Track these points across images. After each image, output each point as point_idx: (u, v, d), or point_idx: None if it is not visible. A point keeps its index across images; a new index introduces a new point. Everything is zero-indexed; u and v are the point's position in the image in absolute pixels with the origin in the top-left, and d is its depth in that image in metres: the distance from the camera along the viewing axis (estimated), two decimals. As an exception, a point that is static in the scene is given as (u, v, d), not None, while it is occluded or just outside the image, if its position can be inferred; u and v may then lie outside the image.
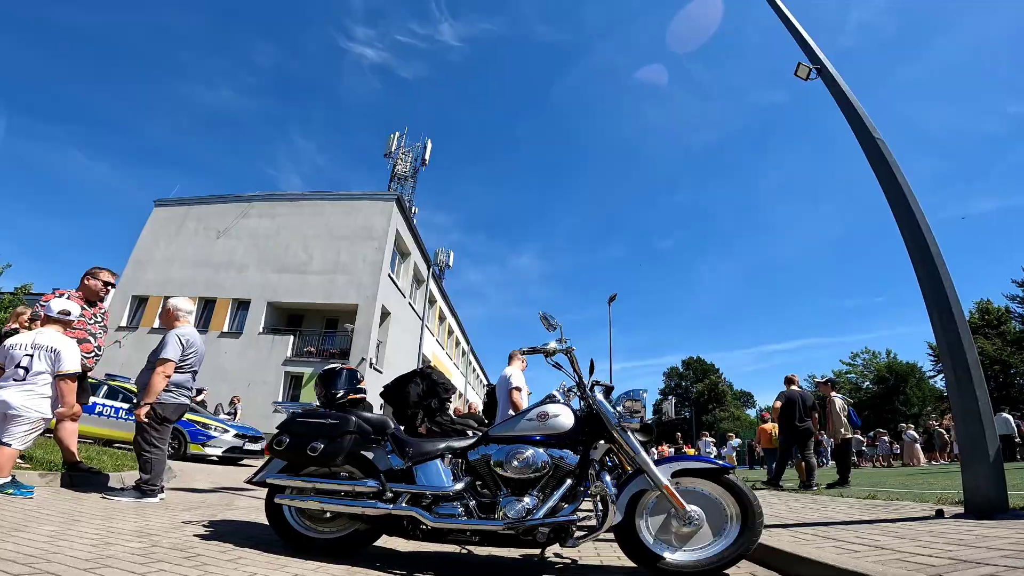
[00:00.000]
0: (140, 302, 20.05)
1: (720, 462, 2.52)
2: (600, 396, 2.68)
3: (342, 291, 19.17)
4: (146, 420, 4.00)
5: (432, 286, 27.47)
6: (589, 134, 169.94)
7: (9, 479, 3.41)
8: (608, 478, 2.45)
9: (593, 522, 2.47)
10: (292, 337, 18.72)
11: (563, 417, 2.59)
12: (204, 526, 3.06)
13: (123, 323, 19.55)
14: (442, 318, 31.19)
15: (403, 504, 2.50)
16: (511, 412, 4.96)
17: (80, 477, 4.44)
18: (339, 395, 3.03)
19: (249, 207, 21.50)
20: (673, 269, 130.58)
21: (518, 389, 5.17)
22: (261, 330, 18.69)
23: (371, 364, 18.08)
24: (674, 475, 2.47)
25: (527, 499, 2.38)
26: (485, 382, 53.16)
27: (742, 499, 2.39)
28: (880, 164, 3.69)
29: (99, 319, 4.61)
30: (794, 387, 8.01)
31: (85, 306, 4.51)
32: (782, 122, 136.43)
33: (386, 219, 20.47)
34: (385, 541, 2.90)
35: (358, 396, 3.15)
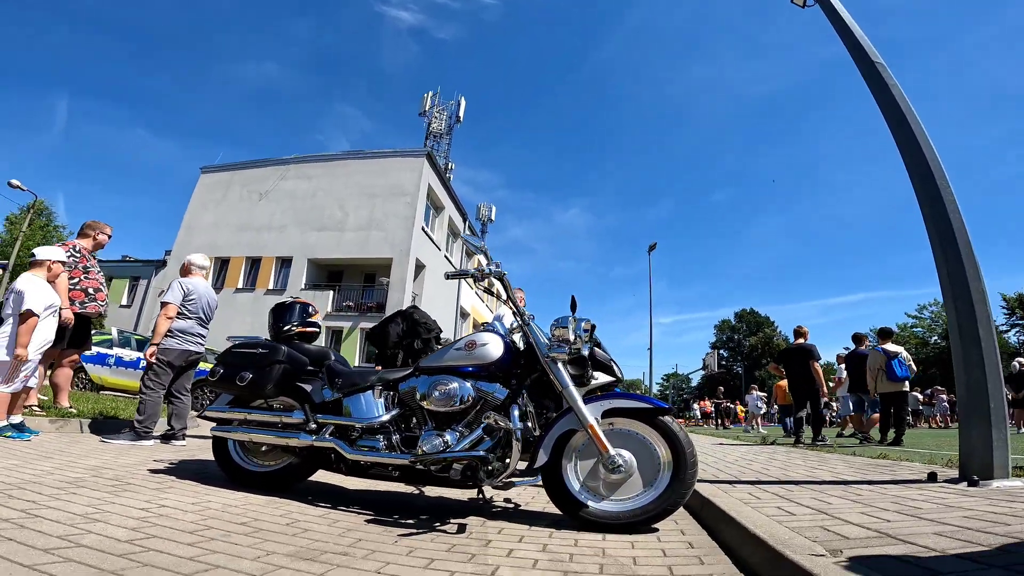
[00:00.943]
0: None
1: (658, 401, 2.32)
2: (535, 324, 2.52)
3: (376, 246, 19.50)
4: (153, 361, 4.21)
5: (470, 237, 27.50)
6: (634, 91, 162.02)
7: (5, 423, 3.62)
8: (516, 413, 2.33)
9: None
10: (332, 292, 19.37)
11: (491, 346, 2.44)
12: (169, 464, 3.19)
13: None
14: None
15: (326, 436, 2.47)
16: None
17: (109, 424, 4.72)
18: (286, 328, 3.01)
19: (287, 170, 21.97)
20: (726, 224, 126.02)
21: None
22: (303, 286, 19.40)
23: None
24: (605, 414, 2.29)
25: (448, 434, 2.27)
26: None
27: (675, 445, 2.18)
28: (882, 91, 3.17)
29: (99, 269, 4.83)
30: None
31: (93, 256, 4.72)
32: (842, 77, 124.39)
33: (417, 175, 20.39)
34: (342, 479, 2.91)
35: (308, 330, 3.13)
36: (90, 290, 4.52)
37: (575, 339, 2.43)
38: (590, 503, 2.20)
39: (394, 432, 2.45)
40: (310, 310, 3.24)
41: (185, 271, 4.58)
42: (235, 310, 19.98)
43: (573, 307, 4.68)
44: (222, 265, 20.81)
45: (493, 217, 63.36)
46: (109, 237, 4.85)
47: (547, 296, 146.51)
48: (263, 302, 19.24)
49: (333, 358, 2.83)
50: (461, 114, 39.52)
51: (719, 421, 22.79)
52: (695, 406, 33.16)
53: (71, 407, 4.85)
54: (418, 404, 2.42)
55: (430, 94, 39.03)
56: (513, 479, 2.33)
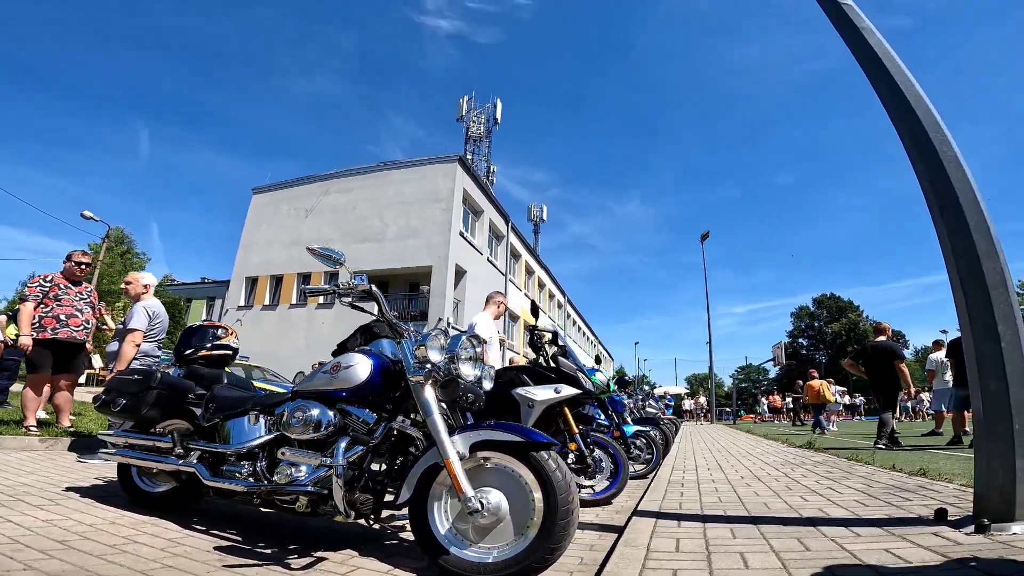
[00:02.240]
0: (252, 283, 22.37)
1: (535, 433, 1.88)
2: (408, 341, 2.17)
3: (415, 254, 19.67)
4: None
5: (514, 240, 27.21)
6: (680, 77, 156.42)
7: None
8: (343, 446, 1.99)
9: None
10: (375, 305, 19.70)
11: (356, 368, 2.14)
12: (95, 479, 3.24)
13: (240, 303, 22.03)
14: (530, 271, 30.97)
15: (193, 461, 2.38)
16: None
17: (94, 442, 4.84)
18: (187, 352, 2.93)
19: (329, 185, 22.71)
20: (795, 205, 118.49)
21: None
22: (347, 300, 19.88)
23: (449, 324, 18.44)
24: (477, 447, 1.90)
25: (304, 464, 2.06)
26: (588, 335, 52.65)
27: (547, 488, 1.75)
28: (852, 32, 2.50)
29: (85, 296, 4.95)
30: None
31: (70, 285, 4.85)
32: (911, 46, 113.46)
33: (450, 179, 20.39)
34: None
35: (216, 353, 2.99)
36: (62, 316, 4.62)
37: (453, 358, 2.08)
38: (452, 549, 1.83)
39: (262, 459, 2.26)
40: (219, 333, 3.08)
41: (137, 291, 4.57)
42: (290, 325, 20.88)
43: (535, 313, 4.20)
44: (277, 282, 21.83)
45: (545, 217, 62.99)
46: (79, 264, 4.94)
47: (611, 293, 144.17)
48: (315, 317, 19.96)
49: (225, 381, 2.73)
50: (499, 116, 39.54)
51: (796, 416, 21.02)
52: (763, 401, 31.06)
53: (71, 426, 5.01)
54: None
55: (465, 98, 39.38)
56: (395, 512, 2.09)
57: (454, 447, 1.85)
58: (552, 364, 3.71)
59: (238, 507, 2.72)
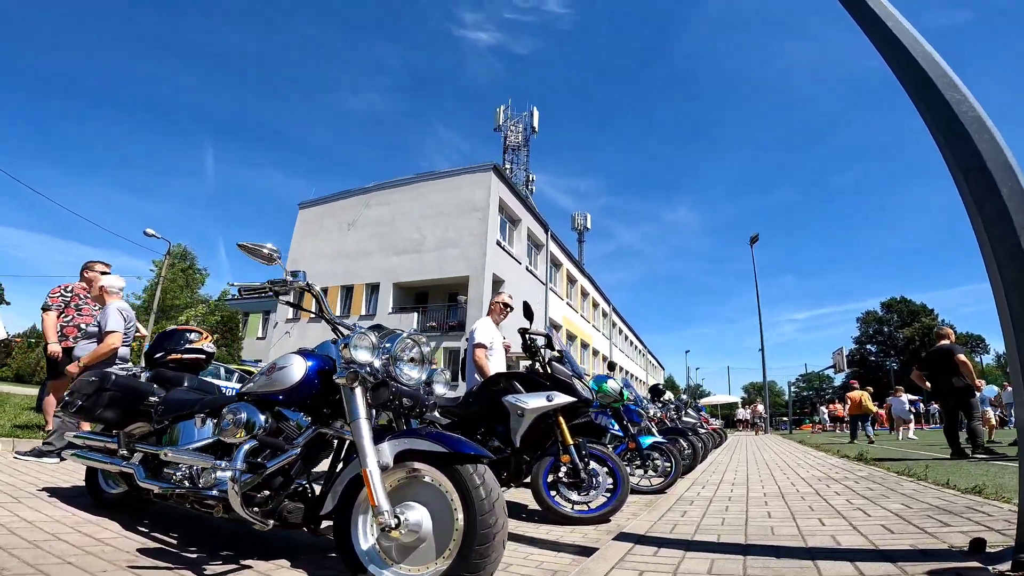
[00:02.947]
0: (299, 296, 23.12)
1: (464, 443, 1.65)
2: (348, 341, 2.01)
3: (453, 265, 19.74)
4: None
5: (555, 249, 26.92)
6: (726, 81, 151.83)
7: None
8: (244, 450, 1.86)
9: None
10: (416, 314, 19.92)
11: (290, 369, 2.01)
12: (80, 481, 3.23)
13: (289, 316, 22.82)
14: (572, 280, 30.54)
15: (135, 461, 2.34)
16: (476, 377, 4.31)
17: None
18: (157, 356, 2.91)
19: (370, 198, 23.25)
20: (857, 206, 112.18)
21: (481, 347, 4.45)
22: (390, 310, 20.21)
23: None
24: (402, 457, 1.70)
25: (229, 466, 1.90)
26: (636, 344, 51.33)
27: (467, 507, 1.54)
28: None
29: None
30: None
31: (88, 295, 4.99)
32: (972, 40, 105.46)
33: (485, 189, 20.40)
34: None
35: (187, 357, 2.95)
36: (82, 325, 4.76)
37: (392, 359, 1.91)
38: (372, 568, 1.67)
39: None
40: (192, 337, 3.03)
41: (105, 294, 4.49)
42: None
43: (530, 317, 3.96)
44: (324, 295, 22.46)
45: (589, 225, 62.53)
46: (102, 274, 5.08)
47: (661, 302, 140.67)
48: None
49: (186, 384, 2.69)
50: (536, 124, 39.45)
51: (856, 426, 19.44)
52: (823, 409, 29.04)
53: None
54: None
55: (502, 108, 39.58)
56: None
57: (376, 456, 1.67)
58: (547, 370, 3.47)
59: (201, 512, 2.65)
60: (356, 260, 22.11)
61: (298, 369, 2.00)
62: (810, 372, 61.25)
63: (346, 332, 2.07)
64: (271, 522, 1.83)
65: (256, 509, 1.82)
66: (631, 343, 48.56)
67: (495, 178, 20.92)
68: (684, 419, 8.94)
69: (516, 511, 3.45)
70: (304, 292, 2.15)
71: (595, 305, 35.89)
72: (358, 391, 1.82)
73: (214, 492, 1.87)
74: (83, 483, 3.17)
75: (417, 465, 1.70)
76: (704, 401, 37.91)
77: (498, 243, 20.38)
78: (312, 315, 2.24)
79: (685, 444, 6.04)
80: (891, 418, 17.91)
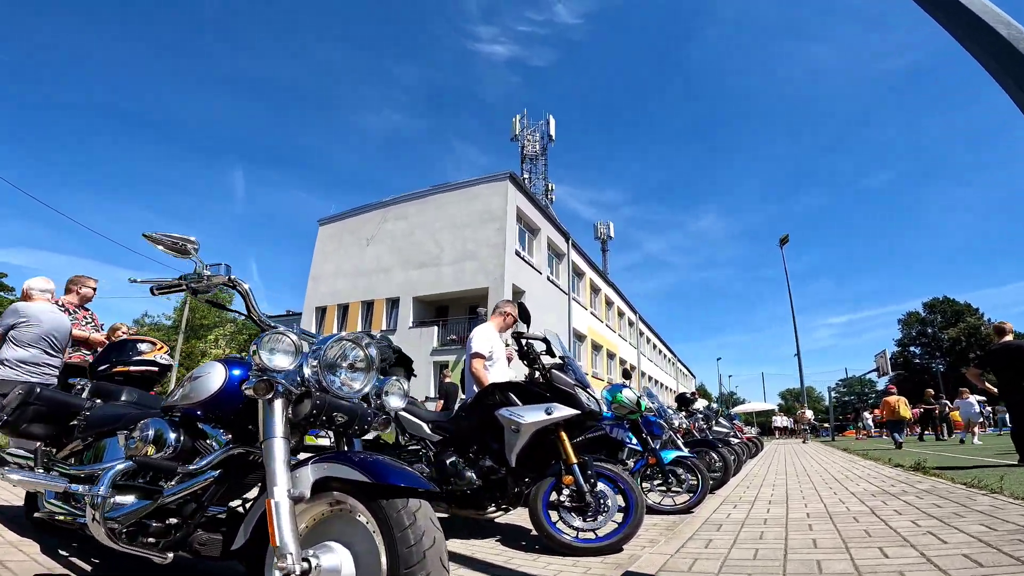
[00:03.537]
0: (321, 313, 23.23)
1: (398, 473, 1.26)
2: (259, 342, 1.65)
3: (472, 276, 19.44)
4: None
5: (576, 258, 26.42)
6: (747, 86, 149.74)
7: None
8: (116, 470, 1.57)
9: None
10: (436, 328, 19.64)
11: (206, 379, 1.69)
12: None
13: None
14: (596, 289, 29.93)
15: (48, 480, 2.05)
16: (475, 389, 3.91)
17: None
18: (101, 368, 2.68)
19: (387, 212, 23.24)
20: (893, 208, 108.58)
21: (479, 356, 4.05)
22: (411, 324, 20.00)
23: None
24: (321, 485, 1.32)
25: (90, 491, 1.62)
26: (665, 352, 50.09)
27: (391, 549, 1.16)
28: None
29: (89, 320, 4.94)
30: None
31: (78, 309, 4.84)
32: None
33: (502, 199, 20.11)
34: None
35: (134, 370, 2.67)
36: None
37: (322, 366, 1.55)
38: None
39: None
40: (142, 348, 2.73)
41: (25, 297, 4.27)
42: (354, 353, 21.27)
43: (525, 318, 3.54)
44: (343, 311, 22.45)
45: (612, 234, 61.71)
46: (94, 290, 4.93)
47: (690, 310, 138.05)
48: (376, 343, 20.23)
49: (124, 398, 2.42)
50: (552, 133, 39.14)
51: (925, 429, 18.14)
52: (866, 415, 27.51)
53: None
54: None
55: (518, 117, 39.43)
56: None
57: (289, 483, 1.29)
58: (547, 378, 3.06)
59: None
60: (375, 275, 22.05)
61: (217, 378, 1.65)
62: (851, 376, 58.69)
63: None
64: (170, 555, 1.52)
65: (153, 540, 1.49)
66: (660, 351, 47.41)
67: (512, 187, 20.64)
68: (716, 429, 8.34)
69: (515, 538, 3.04)
70: (229, 288, 1.78)
71: (620, 314, 35.11)
72: (276, 405, 1.45)
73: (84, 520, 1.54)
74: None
75: (341, 496, 1.32)
76: (738, 409, 36.40)
77: (517, 253, 20.03)
78: (240, 315, 1.87)
79: (715, 456, 5.52)
80: (947, 423, 16.74)
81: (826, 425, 33.67)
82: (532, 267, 21.40)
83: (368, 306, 21.67)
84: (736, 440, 9.19)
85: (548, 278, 22.77)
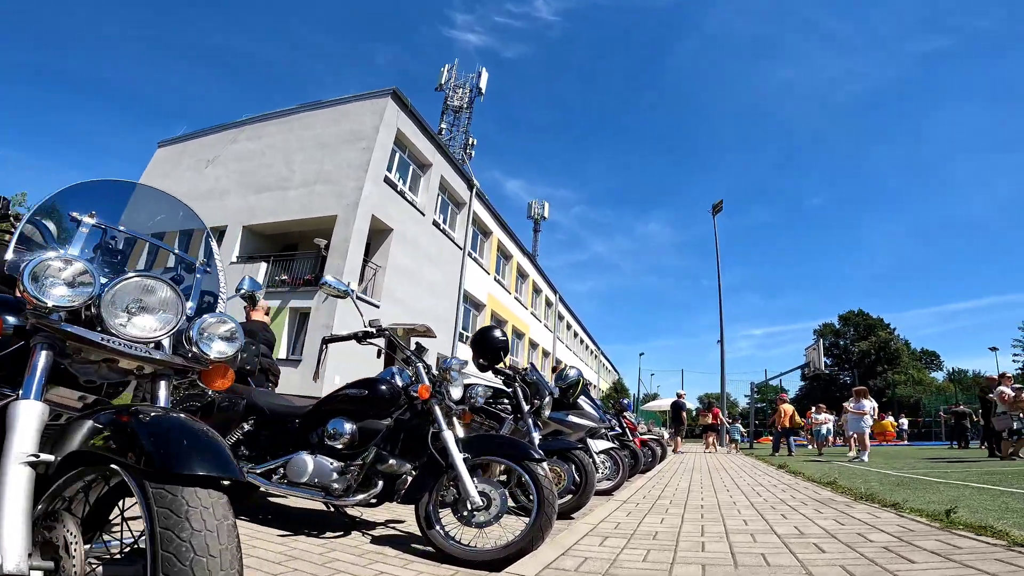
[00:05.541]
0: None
1: None
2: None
3: (321, 203, 14.94)
4: None
5: (482, 212, 22.36)
6: (713, 100, 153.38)
7: None
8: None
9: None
10: (265, 264, 14.94)
11: None
12: None
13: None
14: (506, 255, 26.05)
15: None
16: None
17: None
18: None
19: (239, 132, 18.29)
20: (826, 230, 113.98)
21: None
22: (234, 259, 15.20)
23: (355, 294, 13.61)
24: None
25: None
26: (589, 344, 47.21)
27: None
28: None
29: None
30: None
31: None
32: (946, 71, 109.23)
33: (377, 117, 15.72)
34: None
35: None
36: None
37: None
38: None
39: None
40: None
41: None
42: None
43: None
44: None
45: (546, 214, 58.38)
46: None
47: (628, 313, 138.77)
48: (190, 283, 15.23)
49: None
50: (483, 86, 35.10)
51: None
52: (739, 425, 24.57)
53: None
54: None
55: (447, 67, 35.16)
56: None
57: None
58: None
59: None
60: (207, 201, 16.99)
61: None
62: (766, 383, 58.36)
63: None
64: None
65: None
66: (581, 341, 44.42)
67: (393, 105, 16.25)
68: (570, 420, 4.46)
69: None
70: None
71: (537, 291, 31.50)
72: None
73: None
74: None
75: None
76: (650, 406, 33.44)
77: (387, 180, 15.68)
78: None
79: (556, 473, 3.67)
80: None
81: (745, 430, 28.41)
82: (412, 205, 17.11)
83: (187, 236, 16.56)
84: (630, 443, 6.37)
85: (435, 223, 18.55)
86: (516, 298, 27.11)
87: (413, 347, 3.80)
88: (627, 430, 7.22)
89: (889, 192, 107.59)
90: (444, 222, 19.51)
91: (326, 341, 2.83)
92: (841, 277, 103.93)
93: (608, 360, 57.55)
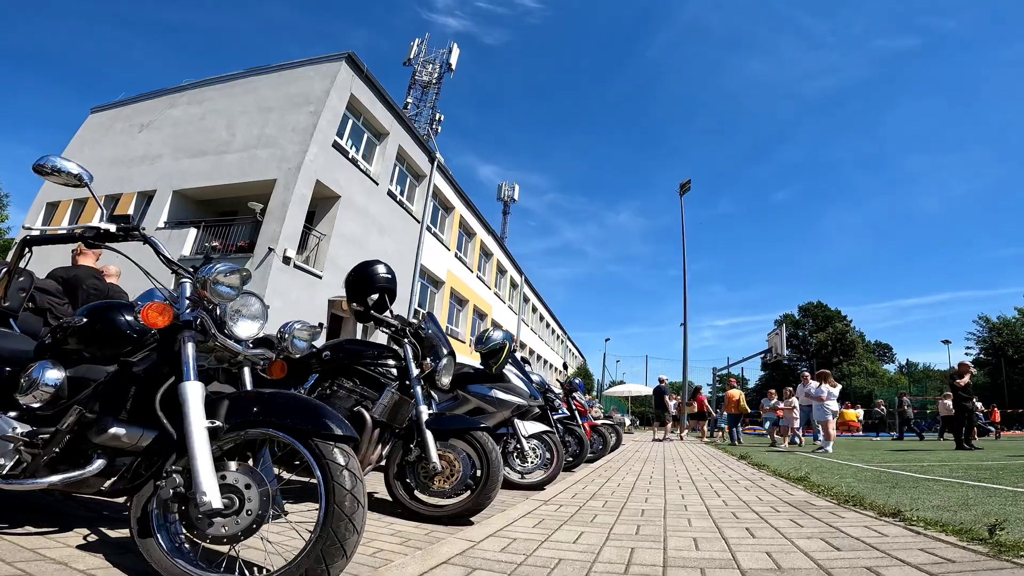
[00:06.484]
0: (52, 208, 16.50)
1: None
2: None
3: (262, 167, 13.90)
4: None
5: (443, 186, 21.48)
6: (686, 91, 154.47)
7: None
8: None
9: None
10: (195, 230, 13.84)
11: None
12: None
13: (38, 225, 16.06)
14: (469, 232, 25.28)
15: None
16: None
17: None
18: None
19: (178, 97, 16.98)
20: (790, 223, 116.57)
21: None
22: (161, 224, 14.04)
23: (291, 262, 12.71)
24: None
25: None
26: (555, 328, 46.98)
27: None
28: None
29: None
30: None
31: None
32: (910, 70, 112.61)
33: (328, 81, 14.70)
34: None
35: None
36: None
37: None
38: None
39: None
40: None
41: None
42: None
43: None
44: (80, 207, 15.91)
45: (516, 197, 57.59)
46: None
47: (596, 300, 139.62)
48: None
49: None
50: (453, 62, 33.95)
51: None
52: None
53: None
54: None
55: (417, 41, 33.89)
56: None
57: None
58: None
59: None
60: (137, 165, 15.75)
61: None
62: (727, 373, 59.37)
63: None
64: None
65: None
66: (548, 325, 44.11)
67: (347, 69, 15.23)
68: (494, 395, 3.83)
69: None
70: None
71: (502, 271, 30.85)
72: None
73: None
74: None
75: None
76: (613, 391, 33.15)
77: (336, 145, 14.72)
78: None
79: (449, 461, 2.81)
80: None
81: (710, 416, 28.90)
82: (364, 172, 16.18)
83: (114, 201, 15.29)
84: (537, 428, 4.64)
85: (391, 193, 17.65)
86: (479, 277, 26.41)
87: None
88: (576, 413, 6.69)
89: (850, 187, 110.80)
90: (401, 194, 18.63)
91: (27, 243, 1.79)
92: (802, 269, 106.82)
93: (575, 346, 57.56)
